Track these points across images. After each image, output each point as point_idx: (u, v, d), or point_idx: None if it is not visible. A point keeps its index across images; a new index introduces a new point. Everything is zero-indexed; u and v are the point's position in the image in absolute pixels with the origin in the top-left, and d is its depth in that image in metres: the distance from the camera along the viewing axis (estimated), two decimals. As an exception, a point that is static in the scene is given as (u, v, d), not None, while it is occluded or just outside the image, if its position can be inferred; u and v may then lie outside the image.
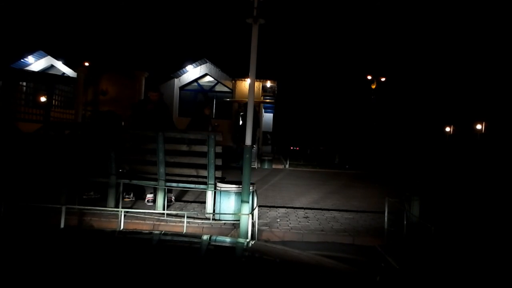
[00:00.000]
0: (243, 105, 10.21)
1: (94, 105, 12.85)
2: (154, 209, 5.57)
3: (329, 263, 1.69)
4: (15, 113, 10.16)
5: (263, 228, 5.14)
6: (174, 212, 5.58)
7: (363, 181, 11.96)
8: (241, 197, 4.81)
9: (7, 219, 4.45)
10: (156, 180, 5.57)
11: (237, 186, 5.30)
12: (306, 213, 6.26)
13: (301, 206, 6.87)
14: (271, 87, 20.37)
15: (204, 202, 5.84)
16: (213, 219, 5.39)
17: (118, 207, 5.22)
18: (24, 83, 11.75)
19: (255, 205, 5.07)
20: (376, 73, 28.42)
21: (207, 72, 20.48)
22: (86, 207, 5.12)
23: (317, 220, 5.75)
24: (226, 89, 20.64)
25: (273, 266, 1.61)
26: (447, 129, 39.63)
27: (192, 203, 6.53)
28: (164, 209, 5.46)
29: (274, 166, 15.38)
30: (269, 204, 6.79)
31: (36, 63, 19.48)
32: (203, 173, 5.54)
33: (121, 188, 5.70)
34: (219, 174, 5.59)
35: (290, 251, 1.96)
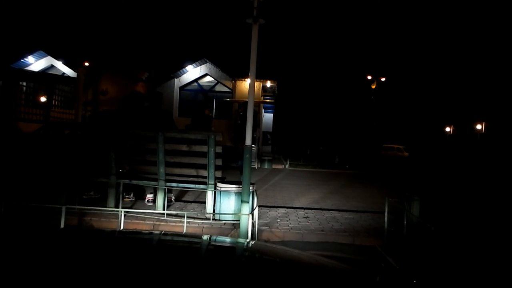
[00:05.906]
0: (243, 105, 10.20)
1: (94, 105, 12.83)
2: (154, 209, 5.57)
3: (329, 263, 1.69)
4: (15, 113, 10.15)
5: (263, 228, 5.14)
6: (174, 212, 5.58)
7: (363, 181, 11.96)
8: (241, 197, 4.81)
9: (7, 219, 4.45)
10: (156, 180, 5.57)
11: (237, 186, 5.30)
12: (306, 213, 6.26)
13: (301, 206, 6.87)
14: (271, 87, 20.39)
15: (204, 202, 5.84)
16: (213, 219, 5.39)
17: (118, 207, 5.22)
18: (24, 83, 11.73)
19: (255, 205, 5.07)
20: (376, 73, 28.46)
21: (207, 72, 20.50)
22: (86, 207, 5.12)
23: (317, 220, 5.75)
24: (226, 89, 20.66)
25: (273, 266, 1.61)
26: (447, 129, 39.65)
27: (192, 203, 6.53)
28: (164, 209, 5.46)
29: (274, 166, 15.39)
30: (269, 204, 6.79)
31: (36, 63, 19.51)
32: (203, 173, 5.54)
33: (121, 188, 5.69)
34: (219, 174, 5.58)
35: (290, 251, 1.96)
